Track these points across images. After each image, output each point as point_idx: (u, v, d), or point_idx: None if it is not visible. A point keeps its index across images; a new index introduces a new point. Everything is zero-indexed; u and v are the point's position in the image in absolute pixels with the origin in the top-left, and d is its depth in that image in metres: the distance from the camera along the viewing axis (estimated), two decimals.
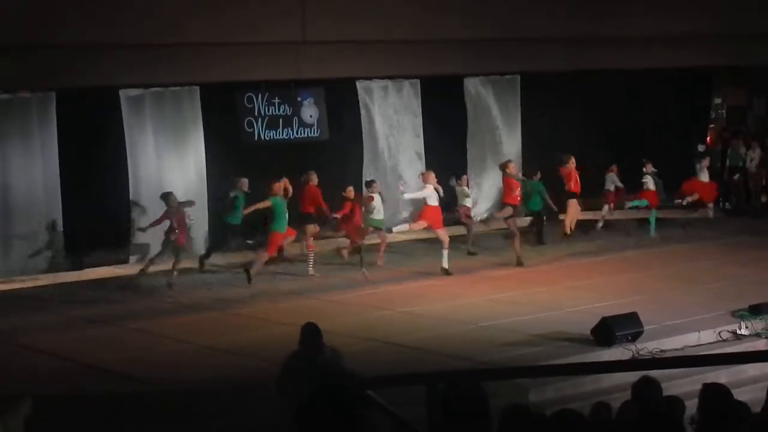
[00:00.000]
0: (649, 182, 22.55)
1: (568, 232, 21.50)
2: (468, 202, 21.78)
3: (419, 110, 23.16)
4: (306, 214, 19.85)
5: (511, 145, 24.25)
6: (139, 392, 12.92)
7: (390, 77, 22.62)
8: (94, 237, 19.99)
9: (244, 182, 19.51)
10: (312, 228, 19.84)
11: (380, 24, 20.20)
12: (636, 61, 23.01)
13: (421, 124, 23.18)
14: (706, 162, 23.69)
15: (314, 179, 19.96)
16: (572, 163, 21.38)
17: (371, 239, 20.28)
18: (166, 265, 18.75)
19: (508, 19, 21.59)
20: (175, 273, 18.51)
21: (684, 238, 22.35)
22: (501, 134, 24.16)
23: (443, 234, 19.43)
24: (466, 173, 22.61)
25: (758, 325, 15.27)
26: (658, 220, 22.71)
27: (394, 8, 20.31)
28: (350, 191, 19.81)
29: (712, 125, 28.27)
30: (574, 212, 21.62)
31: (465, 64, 22.37)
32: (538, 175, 22.12)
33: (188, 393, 12.64)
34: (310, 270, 19.44)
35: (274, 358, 13.50)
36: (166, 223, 18.66)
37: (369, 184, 20.46)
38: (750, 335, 15.05)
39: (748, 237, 22.23)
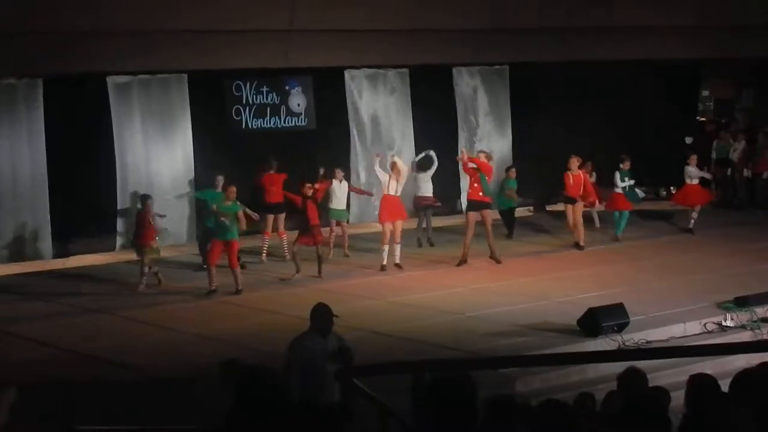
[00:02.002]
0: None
1: (581, 243, 20.47)
2: (428, 191, 20.89)
3: (408, 100, 23.12)
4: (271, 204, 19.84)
5: (502, 135, 24.26)
6: (125, 380, 12.91)
7: (379, 66, 22.59)
8: (80, 224, 19.95)
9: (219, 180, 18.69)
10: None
11: (369, 13, 20.18)
12: (624, 53, 23.02)
13: (410, 113, 23.15)
14: (693, 159, 22.36)
15: (274, 166, 19.83)
16: (571, 164, 20.61)
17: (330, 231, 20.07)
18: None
19: (496, 9, 21.60)
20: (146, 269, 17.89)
21: (669, 229, 22.41)
22: (491, 124, 24.16)
23: (400, 226, 18.97)
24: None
25: (743, 316, 15.33)
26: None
27: None
28: (307, 188, 18.37)
29: (704, 118, 28.27)
30: (569, 217, 20.68)
31: (453, 54, 22.37)
32: (514, 173, 21.99)
33: (176, 380, 12.62)
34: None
35: (262, 346, 13.56)
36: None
37: (332, 172, 19.98)
38: (735, 327, 15.11)
39: (733, 228, 22.28)
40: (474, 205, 19.18)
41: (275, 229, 19.92)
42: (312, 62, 20.74)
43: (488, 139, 23.96)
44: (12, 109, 18.95)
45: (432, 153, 20.52)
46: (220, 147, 20.75)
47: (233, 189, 17.41)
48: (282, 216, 19.86)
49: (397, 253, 18.90)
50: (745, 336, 14.77)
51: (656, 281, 17.57)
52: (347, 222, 20.80)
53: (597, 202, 21.70)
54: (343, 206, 20.25)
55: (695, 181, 22.16)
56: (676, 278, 17.78)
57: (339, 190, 19.98)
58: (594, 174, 22.04)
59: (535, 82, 23.67)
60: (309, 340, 9.72)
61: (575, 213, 20.56)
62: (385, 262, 18.75)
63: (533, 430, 5.82)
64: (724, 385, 6.58)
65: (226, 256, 17.21)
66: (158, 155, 20.42)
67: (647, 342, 14.21)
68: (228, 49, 19.37)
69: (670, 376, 11.35)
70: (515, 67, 23.72)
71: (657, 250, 20.42)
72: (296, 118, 22.11)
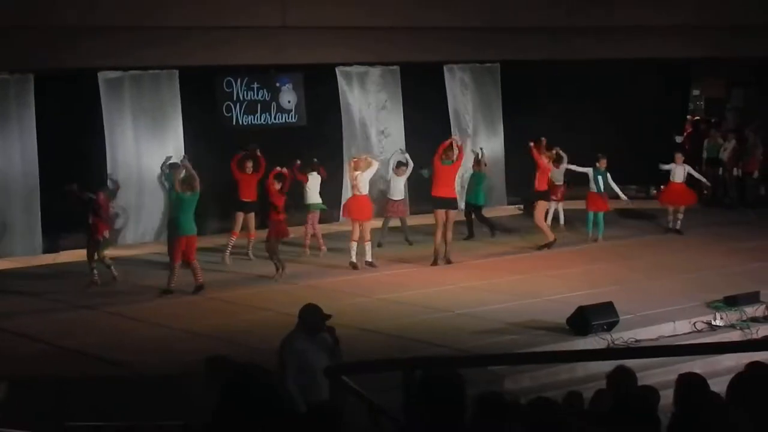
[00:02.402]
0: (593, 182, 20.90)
1: (545, 242, 20.22)
2: (399, 195, 20.63)
3: (399, 97, 23.10)
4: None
5: (494, 134, 24.24)
6: (115, 376, 12.89)
7: (370, 63, 22.57)
8: (70, 219, 19.88)
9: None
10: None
11: (361, 10, 20.19)
12: (624, 53, 23.01)
13: (401, 110, 23.13)
14: (679, 158, 22.09)
15: (248, 167, 19.65)
16: (538, 149, 20.26)
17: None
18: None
19: (490, 7, 21.61)
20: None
21: (659, 228, 22.41)
22: (482, 122, 24.14)
23: (368, 226, 18.96)
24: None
25: (733, 316, 15.35)
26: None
27: None
28: (273, 183, 18.09)
29: (698, 117, 28.29)
30: (538, 216, 20.38)
31: (446, 52, 22.37)
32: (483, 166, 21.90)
33: (165, 377, 12.61)
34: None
35: (253, 343, 13.56)
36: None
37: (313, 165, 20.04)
38: (724, 326, 15.13)
39: (724, 228, 22.31)
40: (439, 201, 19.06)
41: (245, 227, 19.68)
42: (304, 59, 20.72)
43: (479, 137, 23.94)
44: (3, 104, 18.89)
45: (407, 155, 20.50)
46: (211, 143, 20.72)
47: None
48: (252, 215, 19.70)
49: (368, 251, 18.79)
50: (735, 335, 14.80)
51: (646, 280, 17.58)
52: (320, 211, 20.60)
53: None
54: (315, 200, 20.19)
55: (679, 179, 22.05)
56: (666, 277, 17.80)
57: (312, 182, 20.00)
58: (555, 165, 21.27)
59: (533, 80, 23.67)
60: (298, 339, 9.73)
61: (538, 210, 20.37)
62: (354, 260, 18.70)
63: (522, 427, 5.83)
64: (713, 385, 6.60)
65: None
66: (149, 151, 20.39)
67: (636, 341, 14.24)
68: (219, 45, 19.34)
69: (660, 375, 11.37)
70: (513, 66, 23.66)
71: (647, 249, 20.44)
72: (287, 115, 22.11)
